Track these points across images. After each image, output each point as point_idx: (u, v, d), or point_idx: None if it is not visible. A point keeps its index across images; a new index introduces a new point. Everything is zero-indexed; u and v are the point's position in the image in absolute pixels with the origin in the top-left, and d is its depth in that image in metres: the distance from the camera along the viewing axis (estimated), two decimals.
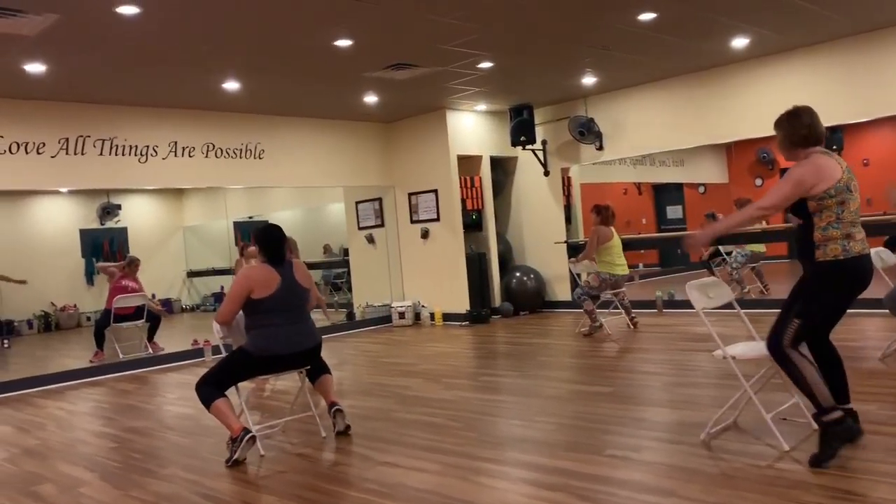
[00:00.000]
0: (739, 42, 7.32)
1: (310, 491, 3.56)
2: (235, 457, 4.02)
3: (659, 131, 9.04)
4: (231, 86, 7.33)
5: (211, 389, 4.14)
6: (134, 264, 8.69)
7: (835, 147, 13.91)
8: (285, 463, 4.04)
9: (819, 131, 3.44)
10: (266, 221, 4.40)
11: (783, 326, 3.38)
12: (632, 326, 7.86)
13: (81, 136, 7.50)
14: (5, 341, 10.79)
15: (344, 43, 6.17)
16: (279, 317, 4.18)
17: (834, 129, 13.21)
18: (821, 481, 3.06)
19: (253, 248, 4.44)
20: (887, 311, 5.39)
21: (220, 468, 4.02)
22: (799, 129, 3.43)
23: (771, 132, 8.95)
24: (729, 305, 4.08)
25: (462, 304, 9.64)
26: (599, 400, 4.86)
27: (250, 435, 4.01)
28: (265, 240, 4.29)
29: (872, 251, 5.39)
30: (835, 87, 7.60)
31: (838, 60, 7.58)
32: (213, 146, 8.46)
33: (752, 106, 8.19)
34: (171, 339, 8.99)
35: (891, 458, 3.28)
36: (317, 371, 4.58)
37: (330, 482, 3.70)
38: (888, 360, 5.17)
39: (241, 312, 4.36)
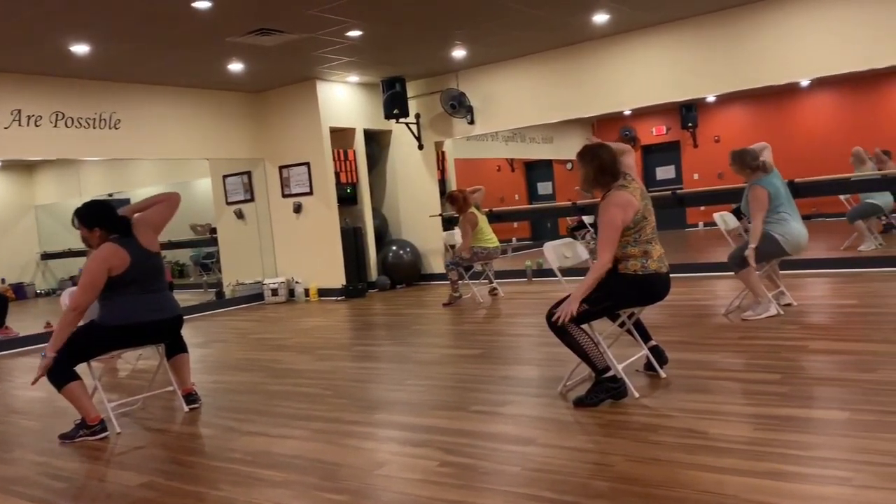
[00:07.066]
0: (600, 17, 7.58)
1: (170, 464, 3.42)
2: (77, 441, 3.89)
3: (527, 106, 9.25)
4: (80, 49, 6.84)
5: (62, 369, 3.91)
6: None
7: (690, 125, 14.87)
8: (144, 438, 3.87)
9: (617, 169, 3.67)
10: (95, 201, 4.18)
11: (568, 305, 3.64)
12: (492, 296, 8.12)
13: None
14: None
15: (203, 5, 5.89)
16: (135, 287, 3.99)
17: (689, 108, 14.17)
18: (667, 423, 3.27)
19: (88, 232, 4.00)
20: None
21: (70, 449, 3.79)
22: (602, 172, 3.64)
23: (634, 106, 9.30)
24: (587, 270, 4.25)
25: (338, 279, 9.54)
26: (469, 362, 4.96)
27: (105, 435, 3.91)
28: (98, 217, 4.04)
29: (717, 215, 5.81)
30: (693, 63, 7.97)
31: (697, 36, 7.90)
32: (63, 115, 7.88)
33: (614, 81, 8.53)
34: (24, 323, 8.38)
35: (729, 399, 3.54)
36: (174, 348, 4.41)
37: (191, 454, 3.57)
38: (731, 316, 5.58)
39: None
